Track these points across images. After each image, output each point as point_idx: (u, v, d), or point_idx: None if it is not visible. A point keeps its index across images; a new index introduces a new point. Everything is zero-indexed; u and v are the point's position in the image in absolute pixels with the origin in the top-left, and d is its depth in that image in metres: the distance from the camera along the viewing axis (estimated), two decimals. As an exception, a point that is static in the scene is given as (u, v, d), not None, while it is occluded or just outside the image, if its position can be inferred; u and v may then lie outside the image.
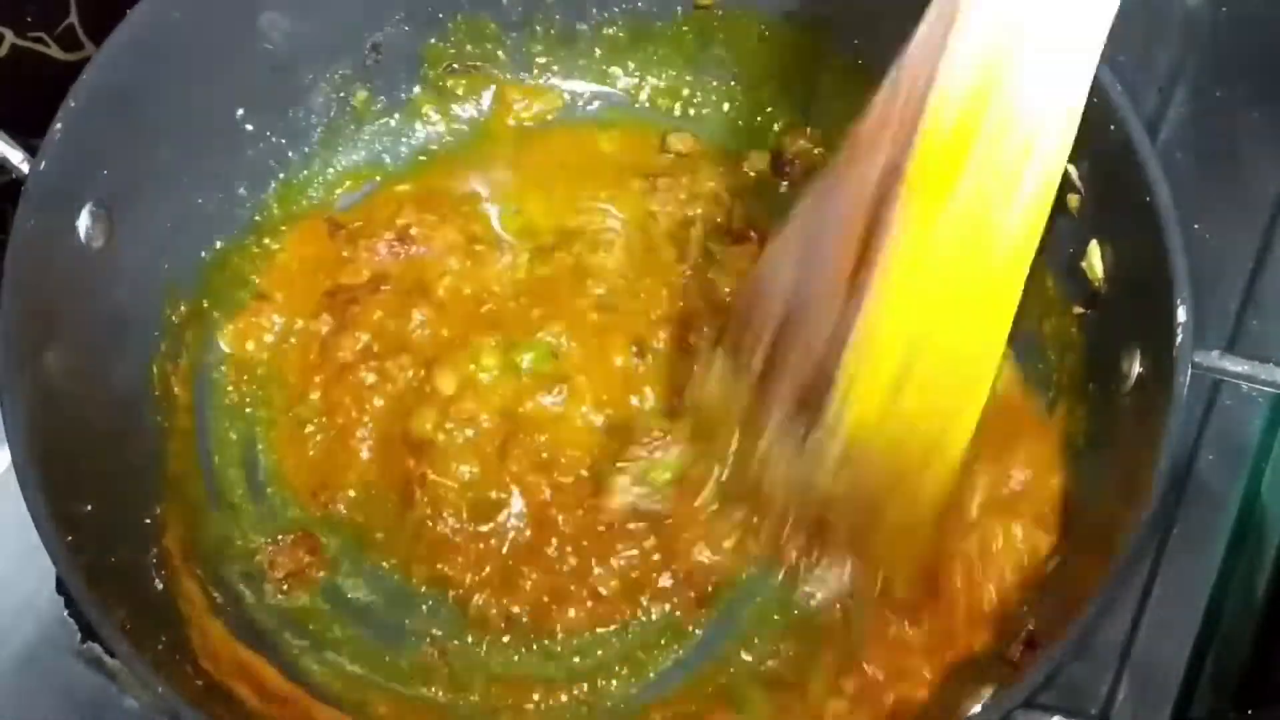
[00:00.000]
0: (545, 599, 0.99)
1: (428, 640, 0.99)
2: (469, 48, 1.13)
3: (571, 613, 0.99)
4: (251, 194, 1.08)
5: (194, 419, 1.04)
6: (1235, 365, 0.90)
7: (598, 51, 1.15)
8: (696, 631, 0.99)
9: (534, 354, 1.04)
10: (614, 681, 0.98)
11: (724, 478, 0.98)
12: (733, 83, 1.14)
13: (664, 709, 0.97)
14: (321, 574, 1.01)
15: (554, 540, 1.00)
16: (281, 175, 1.10)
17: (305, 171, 1.11)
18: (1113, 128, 0.91)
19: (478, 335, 1.04)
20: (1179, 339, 0.86)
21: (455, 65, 1.14)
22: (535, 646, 0.99)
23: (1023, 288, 0.83)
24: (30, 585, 0.97)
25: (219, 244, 1.07)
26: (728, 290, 1.05)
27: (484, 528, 1.00)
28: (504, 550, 1.00)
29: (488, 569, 0.99)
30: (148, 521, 0.96)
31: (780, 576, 0.98)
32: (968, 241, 0.80)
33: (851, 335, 0.82)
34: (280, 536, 1.01)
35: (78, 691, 0.96)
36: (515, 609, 0.99)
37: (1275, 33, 1.15)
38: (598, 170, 1.12)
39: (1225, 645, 0.98)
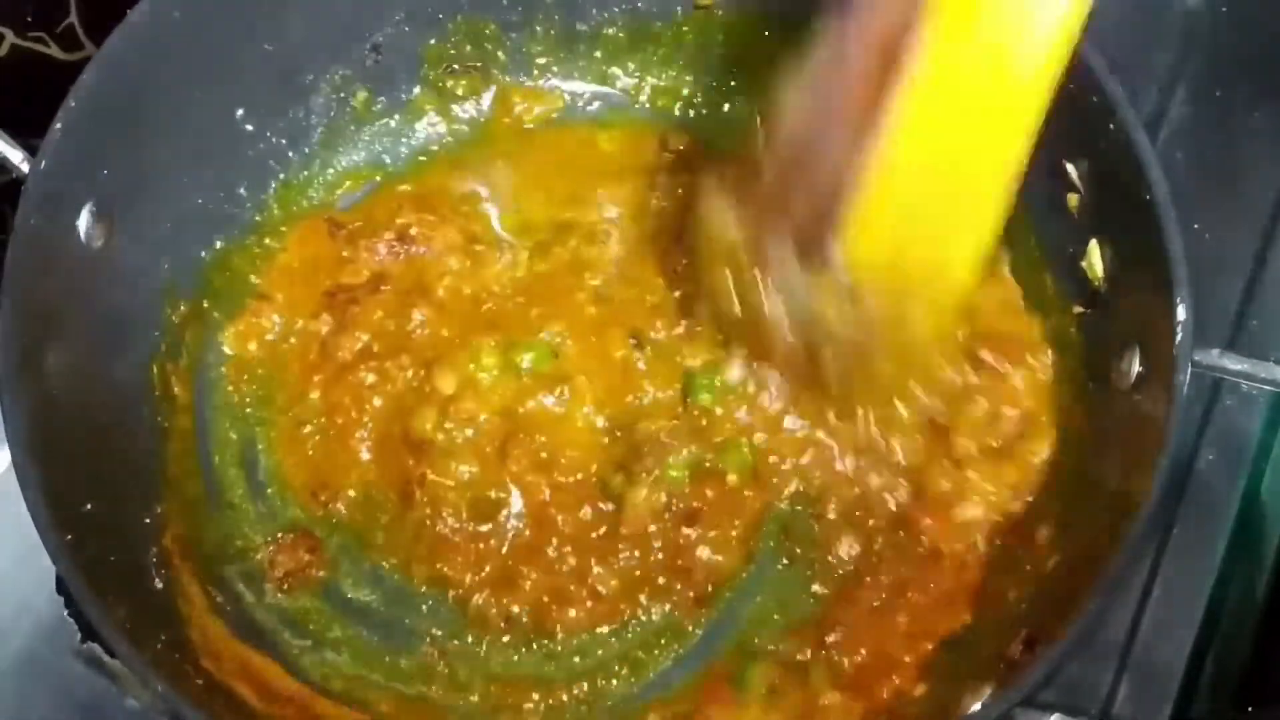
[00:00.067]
0: (545, 599, 0.99)
1: (428, 640, 0.99)
2: (469, 48, 1.13)
3: (571, 612, 0.98)
4: (252, 194, 1.08)
5: (194, 419, 1.04)
6: (1235, 364, 0.90)
7: (598, 52, 1.15)
8: (696, 631, 0.99)
9: (534, 354, 1.04)
10: (614, 681, 0.98)
11: (726, 314, 0.97)
12: (733, 83, 1.14)
13: (664, 708, 0.97)
14: (321, 574, 1.01)
15: (554, 540, 1.00)
16: (282, 175, 1.10)
17: (305, 172, 1.11)
18: (1112, 127, 0.91)
19: (478, 335, 1.04)
20: (1179, 337, 0.86)
21: (455, 66, 1.14)
22: (535, 646, 0.99)
23: (1043, 114, 0.82)
24: (30, 585, 0.97)
25: (219, 244, 1.07)
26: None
27: (484, 527, 1.00)
28: (504, 550, 1.00)
29: (487, 569, 1.00)
30: (147, 521, 0.96)
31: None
32: (990, 63, 0.79)
33: (864, 163, 0.81)
34: (280, 536, 1.01)
35: (78, 691, 0.96)
36: (515, 609, 0.99)
37: (1275, 33, 1.15)
38: (597, 168, 1.13)
39: (1225, 645, 0.98)
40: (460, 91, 1.14)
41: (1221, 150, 1.12)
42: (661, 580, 0.99)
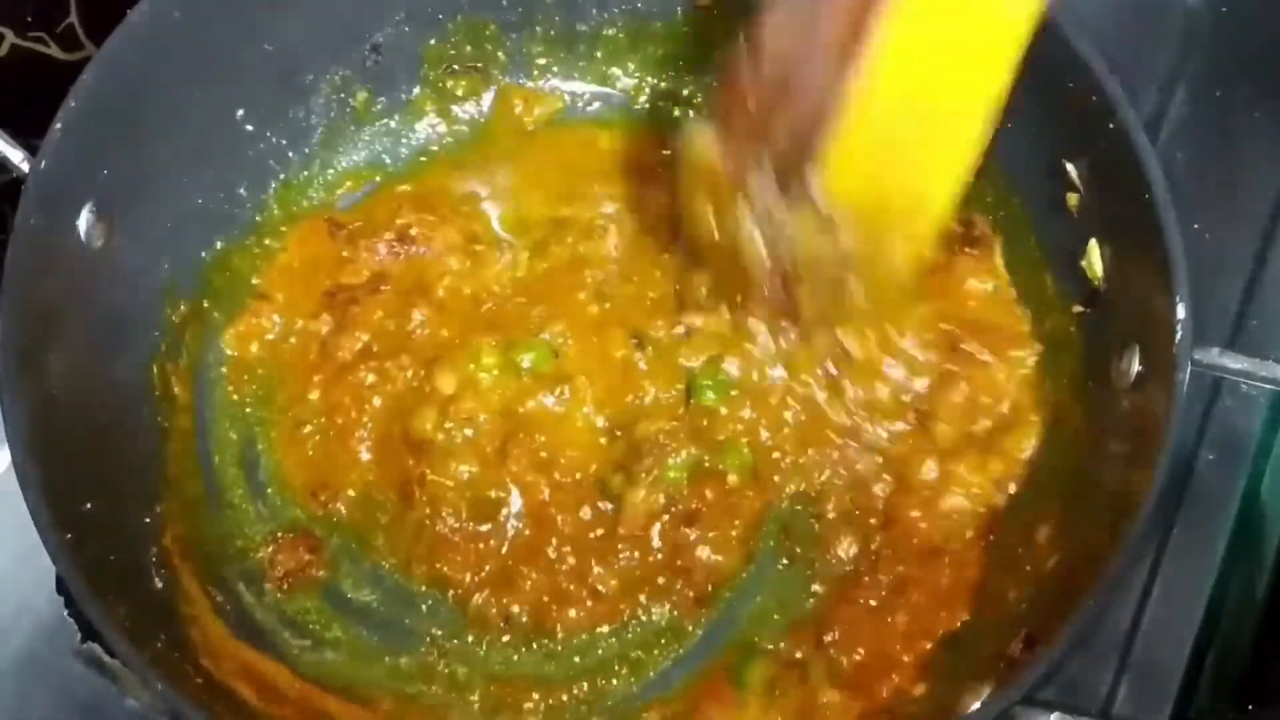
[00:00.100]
0: (545, 598, 0.99)
1: (428, 640, 0.99)
2: (469, 49, 1.13)
3: (571, 612, 0.99)
4: (252, 194, 1.08)
5: (194, 419, 1.04)
6: (1235, 362, 0.90)
7: (598, 52, 1.15)
8: (696, 631, 0.99)
9: (534, 354, 1.04)
10: (614, 681, 0.98)
11: (706, 247, 0.97)
12: (732, 83, 1.14)
13: (663, 708, 0.97)
14: (321, 574, 1.01)
15: (553, 540, 1.00)
16: (282, 175, 1.10)
17: (306, 172, 1.11)
18: (1112, 127, 0.91)
19: (478, 335, 1.04)
20: (1178, 335, 0.86)
21: (455, 66, 1.14)
22: (535, 646, 0.99)
23: (1025, 46, 0.82)
24: (30, 585, 0.97)
25: (219, 244, 1.07)
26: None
27: (483, 527, 1.00)
28: (503, 550, 1.00)
29: (487, 568, 1.00)
30: (147, 521, 0.96)
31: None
32: None
33: (844, 93, 0.82)
34: (280, 536, 1.01)
35: (77, 691, 0.96)
36: (515, 609, 0.99)
37: (1275, 33, 1.15)
38: (596, 166, 1.13)
39: (1225, 645, 0.98)
40: (460, 92, 1.14)
41: (1221, 150, 1.12)
42: (661, 580, 0.99)
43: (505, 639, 0.99)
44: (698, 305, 1.04)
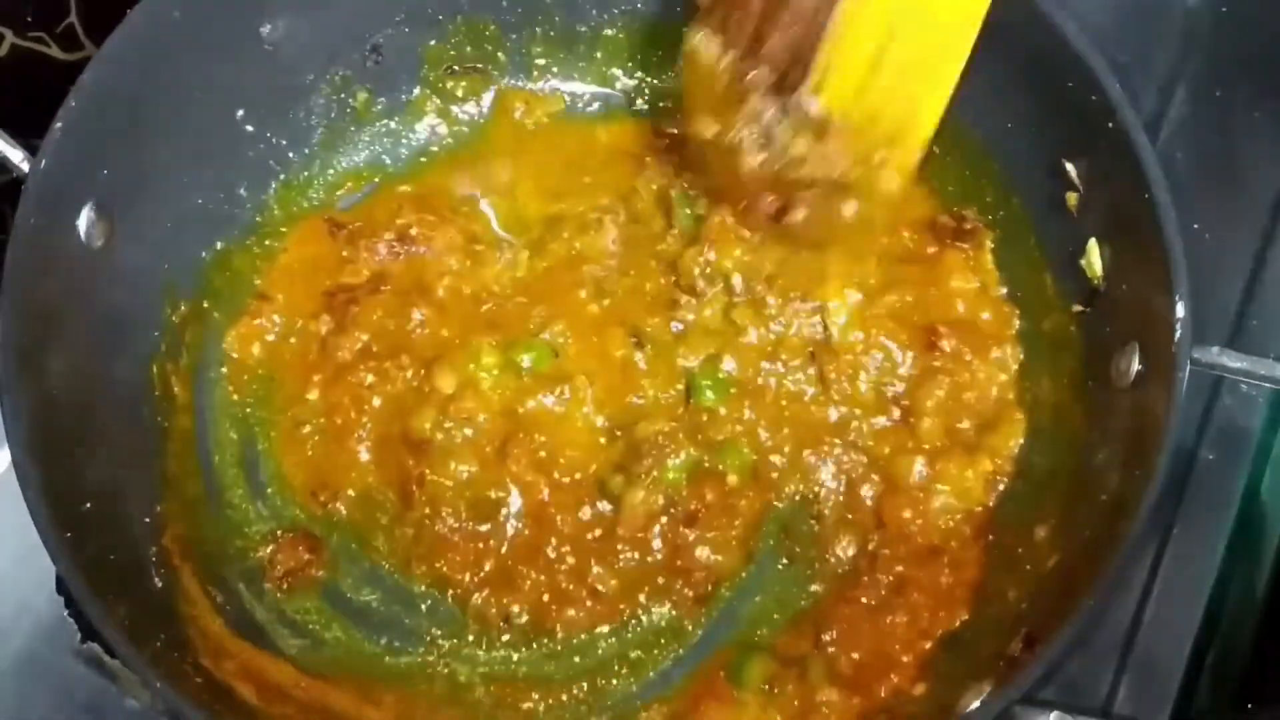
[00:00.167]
0: (545, 598, 0.99)
1: (428, 640, 0.99)
2: (469, 49, 1.13)
3: (571, 612, 0.99)
4: (252, 195, 1.09)
5: (194, 419, 1.04)
6: (1234, 361, 0.90)
7: (598, 53, 1.15)
8: (696, 630, 0.99)
9: (534, 354, 1.04)
10: (614, 681, 0.98)
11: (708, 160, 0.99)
12: (732, 83, 1.14)
13: (663, 707, 0.97)
14: (321, 573, 1.01)
15: (553, 540, 1.00)
16: (282, 176, 1.10)
17: (306, 172, 1.11)
18: (1112, 127, 0.91)
19: (478, 335, 1.04)
20: (1178, 334, 0.86)
21: (455, 67, 1.14)
22: (535, 646, 0.99)
23: None
24: (30, 585, 0.97)
25: (219, 244, 1.07)
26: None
27: (483, 527, 1.00)
28: (503, 550, 1.00)
29: (487, 568, 1.00)
30: (147, 520, 0.96)
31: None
32: None
33: (834, 13, 0.85)
34: (280, 536, 1.01)
35: (77, 691, 0.96)
36: (514, 608, 0.99)
37: (1275, 33, 1.15)
38: (593, 161, 1.13)
39: (1225, 645, 0.98)
40: (460, 92, 1.15)
41: (1221, 150, 1.12)
42: (661, 580, 1.00)
43: (505, 639, 0.99)
44: (693, 289, 1.04)
